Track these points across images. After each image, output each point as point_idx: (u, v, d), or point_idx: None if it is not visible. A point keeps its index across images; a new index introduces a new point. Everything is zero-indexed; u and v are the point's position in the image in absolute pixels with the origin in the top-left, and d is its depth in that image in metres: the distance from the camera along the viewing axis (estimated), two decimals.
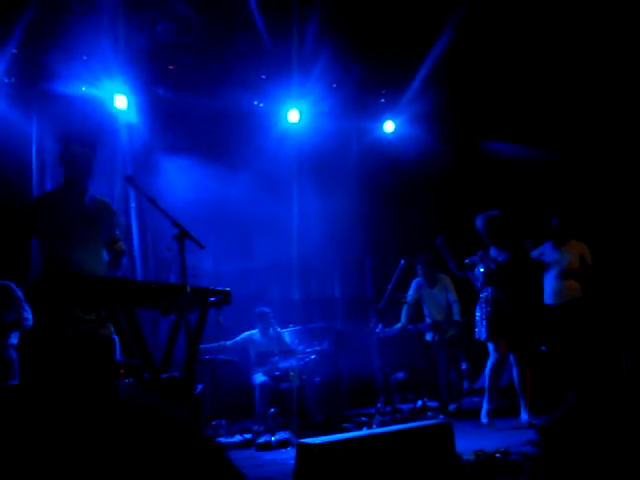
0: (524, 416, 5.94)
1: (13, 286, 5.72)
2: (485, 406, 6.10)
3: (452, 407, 7.38)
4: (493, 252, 6.18)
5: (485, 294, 6.13)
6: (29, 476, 1.85)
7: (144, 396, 2.30)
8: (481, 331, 6.10)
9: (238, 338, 7.72)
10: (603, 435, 2.14)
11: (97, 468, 1.87)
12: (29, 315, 5.55)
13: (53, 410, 2.02)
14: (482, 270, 6.13)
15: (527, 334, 6.05)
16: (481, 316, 6.12)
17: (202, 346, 6.98)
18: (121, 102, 8.02)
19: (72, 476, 1.85)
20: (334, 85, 8.92)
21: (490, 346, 6.11)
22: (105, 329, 3.97)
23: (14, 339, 5.69)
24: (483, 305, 6.12)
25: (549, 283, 7.20)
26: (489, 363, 6.13)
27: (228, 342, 7.60)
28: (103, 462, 1.89)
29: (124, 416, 2.02)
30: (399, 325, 7.74)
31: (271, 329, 7.63)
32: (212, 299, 3.87)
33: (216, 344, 7.35)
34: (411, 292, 7.92)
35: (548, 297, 7.19)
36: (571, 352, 6.90)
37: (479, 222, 6.23)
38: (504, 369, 6.32)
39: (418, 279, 7.99)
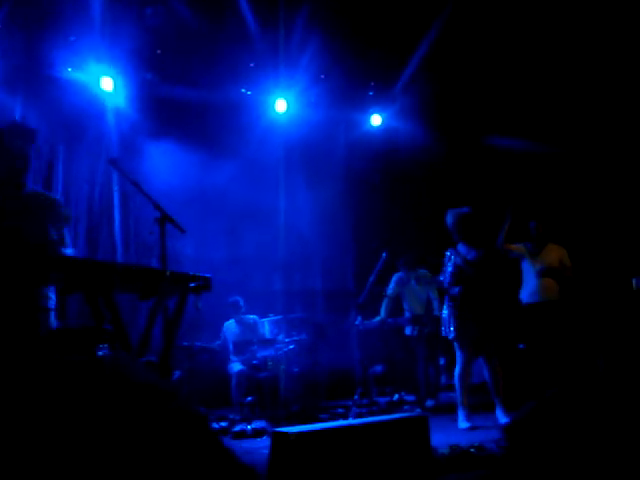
0: (500, 414, 5.86)
1: None
2: (462, 413, 5.91)
3: (430, 403, 7.39)
4: (462, 249, 6.06)
5: (453, 292, 5.98)
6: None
7: (130, 366, 2.29)
8: (449, 330, 5.96)
9: (222, 335, 7.75)
10: (566, 434, 2.14)
11: (81, 437, 1.86)
12: None
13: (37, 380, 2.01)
14: (450, 269, 6.03)
15: (497, 334, 5.91)
16: (449, 314, 5.97)
17: (198, 343, 7.01)
18: (107, 85, 7.95)
19: (56, 445, 1.84)
20: (322, 76, 8.90)
21: (456, 345, 5.96)
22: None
23: None
24: (451, 304, 5.98)
25: (528, 282, 7.21)
26: (457, 369, 5.96)
27: (218, 342, 7.66)
28: (87, 431, 1.88)
29: (110, 386, 2.01)
30: (378, 318, 7.74)
31: (243, 317, 7.68)
32: (192, 285, 3.86)
33: (210, 344, 7.38)
34: (392, 286, 7.93)
35: (526, 296, 7.21)
36: (546, 351, 6.90)
37: (449, 219, 6.09)
38: (472, 368, 6.12)
39: (400, 274, 8.00)
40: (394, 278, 8.00)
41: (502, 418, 5.80)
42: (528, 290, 7.19)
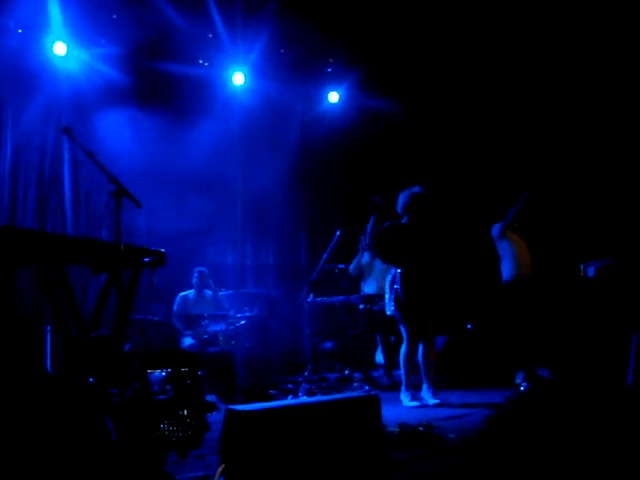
0: (427, 395, 5.88)
1: None
2: (407, 391, 5.94)
3: (385, 380, 7.45)
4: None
5: (393, 271, 6.02)
6: None
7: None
8: (391, 307, 5.98)
9: (176, 305, 7.61)
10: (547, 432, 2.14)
11: None
12: None
13: None
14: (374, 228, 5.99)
15: (436, 314, 5.96)
16: (391, 292, 5.97)
17: (150, 317, 6.88)
18: (60, 49, 7.71)
19: None
20: (282, 50, 8.81)
21: (401, 323, 5.96)
22: None
23: None
24: (394, 281, 5.96)
25: (511, 259, 6.95)
26: (403, 348, 5.94)
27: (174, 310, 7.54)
28: None
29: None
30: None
31: (207, 290, 7.58)
32: (146, 259, 3.80)
33: (162, 319, 7.24)
34: (355, 263, 7.92)
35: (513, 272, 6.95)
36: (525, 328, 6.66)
37: (400, 199, 6.03)
38: (417, 348, 5.98)
39: (365, 256, 8.02)
40: (358, 258, 7.98)
41: (430, 400, 5.82)
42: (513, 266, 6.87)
